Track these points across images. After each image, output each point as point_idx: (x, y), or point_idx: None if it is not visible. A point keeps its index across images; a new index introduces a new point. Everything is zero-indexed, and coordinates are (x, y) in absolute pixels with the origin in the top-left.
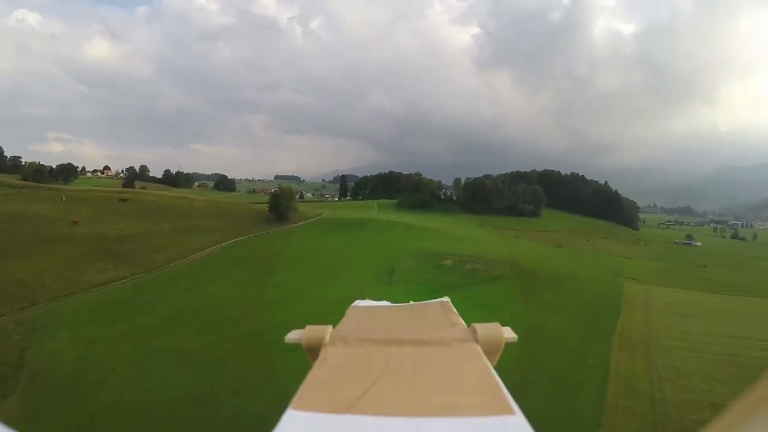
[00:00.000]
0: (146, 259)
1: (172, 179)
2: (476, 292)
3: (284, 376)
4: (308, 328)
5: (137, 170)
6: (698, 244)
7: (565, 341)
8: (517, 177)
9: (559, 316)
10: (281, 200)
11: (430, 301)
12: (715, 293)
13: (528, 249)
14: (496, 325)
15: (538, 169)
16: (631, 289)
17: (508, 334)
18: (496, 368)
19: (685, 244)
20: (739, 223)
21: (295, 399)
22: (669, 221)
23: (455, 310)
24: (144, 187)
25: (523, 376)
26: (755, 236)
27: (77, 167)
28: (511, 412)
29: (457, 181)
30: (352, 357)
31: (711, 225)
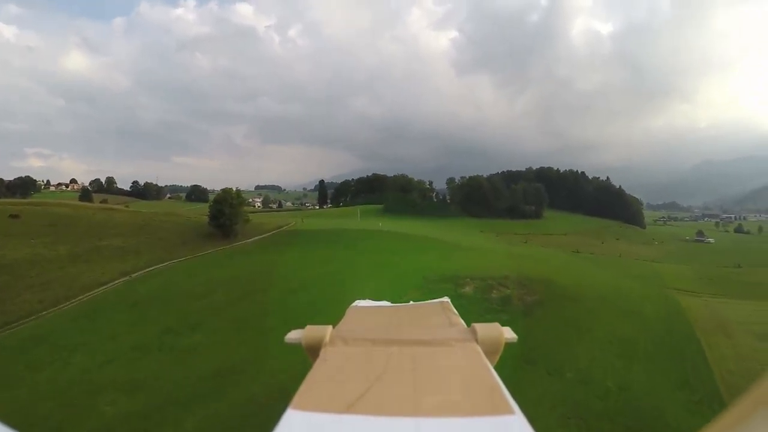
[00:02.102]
0: (11, 305)
1: (141, 191)
2: (519, 334)
3: None
4: (308, 328)
5: (104, 182)
6: (711, 240)
7: (668, 412)
8: (510, 176)
9: (636, 363)
10: (224, 208)
11: (430, 301)
12: None
13: (546, 258)
14: (496, 325)
15: (534, 167)
16: (688, 305)
17: (508, 334)
18: (496, 368)
19: (697, 240)
20: (732, 216)
21: (295, 399)
22: (663, 217)
23: (455, 310)
24: (104, 200)
25: None
26: (760, 229)
27: (36, 181)
28: (510, 411)
29: (450, 181)
30: (352, 357)
31: (705, 219)
